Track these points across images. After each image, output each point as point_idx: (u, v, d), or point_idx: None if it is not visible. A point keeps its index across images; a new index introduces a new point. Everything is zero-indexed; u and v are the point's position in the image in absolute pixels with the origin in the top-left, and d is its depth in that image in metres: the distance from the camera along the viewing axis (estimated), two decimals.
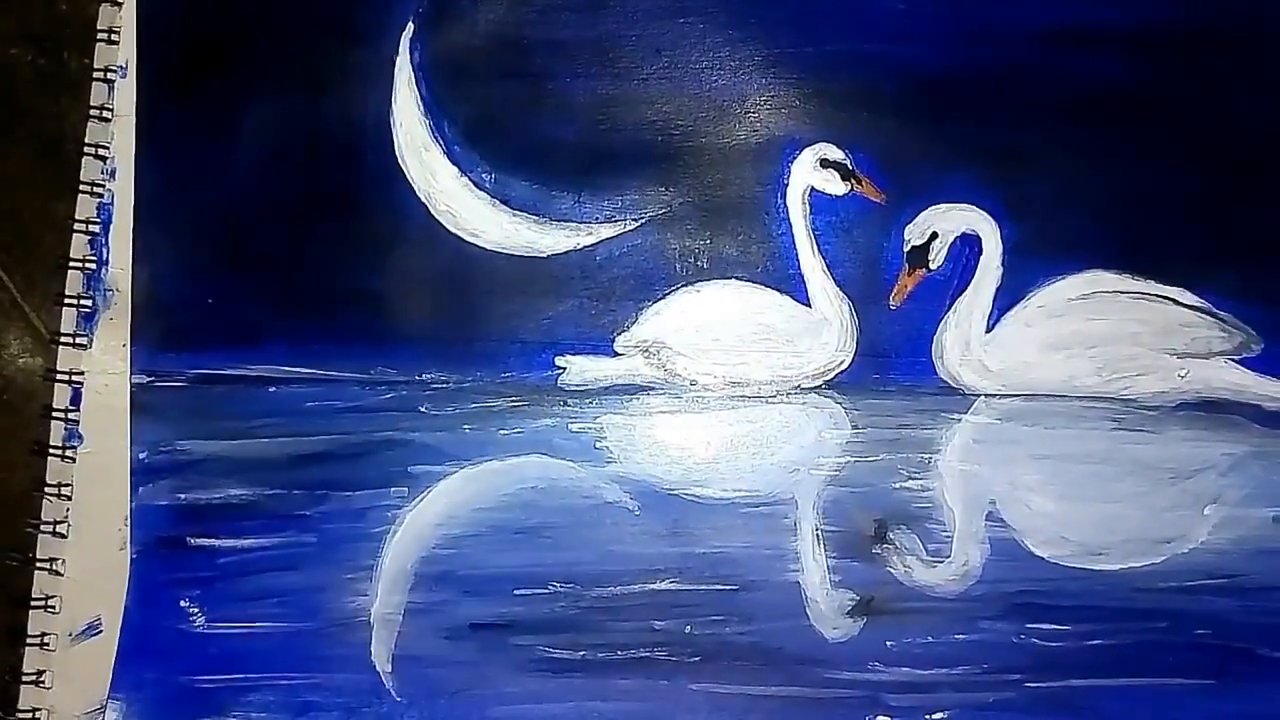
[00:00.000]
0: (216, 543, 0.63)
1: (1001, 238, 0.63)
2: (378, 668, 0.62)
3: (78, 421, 0.64)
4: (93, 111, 0.65)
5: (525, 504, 0.63)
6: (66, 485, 0.63)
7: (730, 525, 0.63)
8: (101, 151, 0.65)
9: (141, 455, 0.63)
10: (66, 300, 0.64)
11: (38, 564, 0.63)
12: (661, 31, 0.64)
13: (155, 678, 0.62)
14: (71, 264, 0.64)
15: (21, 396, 0.66)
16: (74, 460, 0.64)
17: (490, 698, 0.62)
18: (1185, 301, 0.63)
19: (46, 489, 0.63)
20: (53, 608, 0.63)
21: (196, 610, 0.63)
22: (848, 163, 0.64)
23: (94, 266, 0.64)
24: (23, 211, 0.66)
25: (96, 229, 0.65)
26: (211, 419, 0.63)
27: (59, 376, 0.64)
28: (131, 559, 0.63)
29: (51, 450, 0.64)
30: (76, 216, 0.65)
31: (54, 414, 0.64)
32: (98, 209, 0.65)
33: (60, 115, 0.66)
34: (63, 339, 0.64)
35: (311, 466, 0.63)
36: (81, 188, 0.65)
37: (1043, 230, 0.63)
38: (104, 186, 0.65)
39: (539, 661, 0.62)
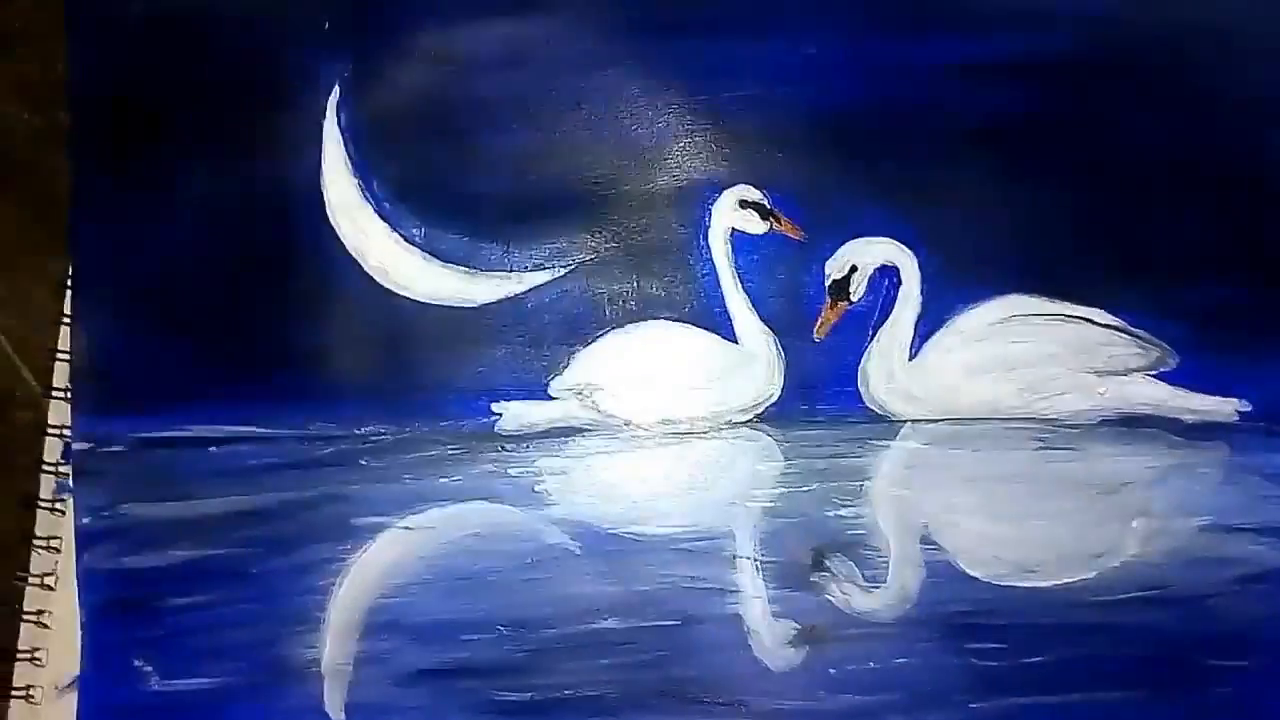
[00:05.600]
0: (165, 603, 0.64)
1: (919, 267, 0.65)
2: (332, 717, 0.63)
3: (68, 475, 0.65)
4: None
5: (468, 550, 0.64)
6: (55, 538, 0.65)
7: (670, 561, 0.64)
8: None
9: (85, 520, 0.64)
10: (59, 356, 0.66)
11: (25, 616, 0.64)
12: (580, 84, 0.66)
13: None
14: (64, 320, 0.66)
15: (13, 450, 0.66)
16: (64, 513, 0.65)
17: None
18: (1101, 321, 0.65)
19: (35, 541, 0.64)
20: (39, 660, 0.64)
21: (150, 670, 0.64)
22: (766, 202, 0.65)
23: None
24: (17, 268, 0.67)
25: None
26: (153, 482, 0.64)
27: (50, 430, 0.65)
28: (82, 624, 0.64)
29: (41, 503, 0.65)
30: (70, 274, 0.66)
31: (44, 468, 0.65)
32: None
33: (54, 174, 0.67)
34: (55, 394, 0.65)
35: (255, 524, 0.64)
36: None
37: (959, 258, 0.65)
38: None
39: (490, 704, 0.63)
